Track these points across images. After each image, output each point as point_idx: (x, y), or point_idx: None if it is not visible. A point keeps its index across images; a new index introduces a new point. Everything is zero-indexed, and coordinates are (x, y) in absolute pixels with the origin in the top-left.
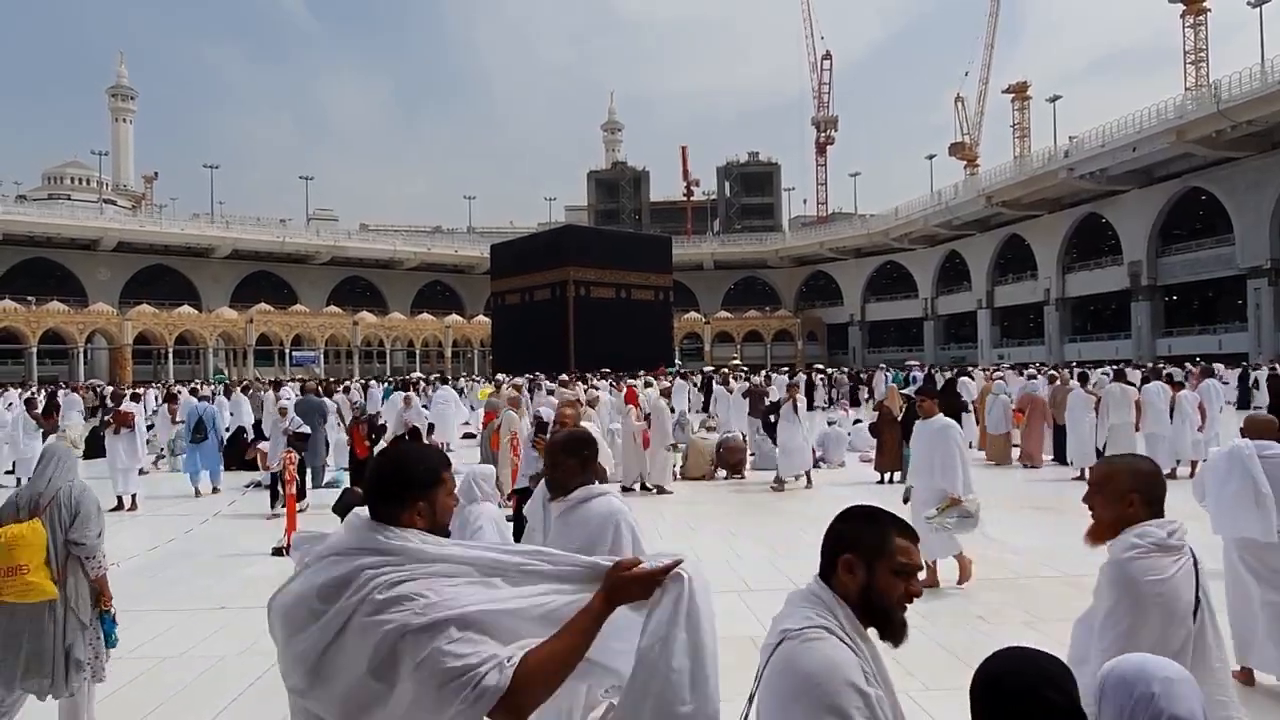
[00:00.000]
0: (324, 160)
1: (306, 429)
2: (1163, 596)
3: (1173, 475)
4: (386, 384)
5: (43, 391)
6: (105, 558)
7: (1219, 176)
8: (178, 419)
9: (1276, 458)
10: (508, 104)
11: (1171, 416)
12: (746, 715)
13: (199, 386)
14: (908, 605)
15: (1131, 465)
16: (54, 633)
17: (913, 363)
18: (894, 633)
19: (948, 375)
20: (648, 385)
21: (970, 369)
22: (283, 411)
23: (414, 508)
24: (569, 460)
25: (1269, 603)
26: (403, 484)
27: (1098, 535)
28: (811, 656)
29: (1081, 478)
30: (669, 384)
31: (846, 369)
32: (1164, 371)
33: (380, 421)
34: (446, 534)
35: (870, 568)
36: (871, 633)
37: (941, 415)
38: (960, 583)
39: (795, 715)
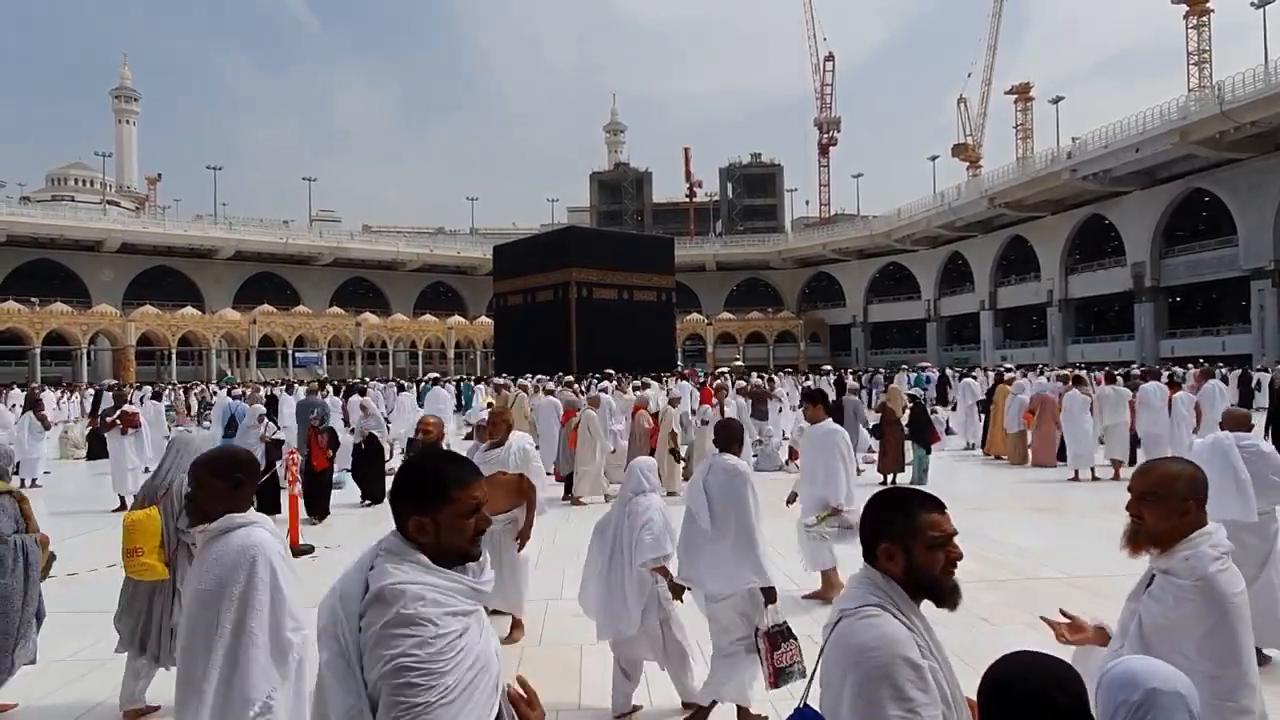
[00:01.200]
0: (327, 162)
1: (282, 435)
2: (1246, 606)
3: None
4: (424, 384)
5: (63, 391)
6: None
7: (1222, 178)
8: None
9: (1253, 448)
10: (511, 106)
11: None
12: (807, 691)
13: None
14: (954, 570)
15: (1185, 470)
16: (162, 610)
17: (925, 364)
18: (947, 599)
19: (1000, 374)
20: (647, 385)
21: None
22: (260, 419)
23: (415, 523)
24: (216, 481)
25: (1248, 577)
26: (406, 499)
27: (1146, 545)
28: (866, 631)
29: (1076, 478)
30: (760, 384)
31: (883, 369)
32: (1171, 371)
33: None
34: (466, 557)
35: (907, 550)
36: (926, 606)
37: (829, 420)
38: (817, 596)
39: (851, 687)
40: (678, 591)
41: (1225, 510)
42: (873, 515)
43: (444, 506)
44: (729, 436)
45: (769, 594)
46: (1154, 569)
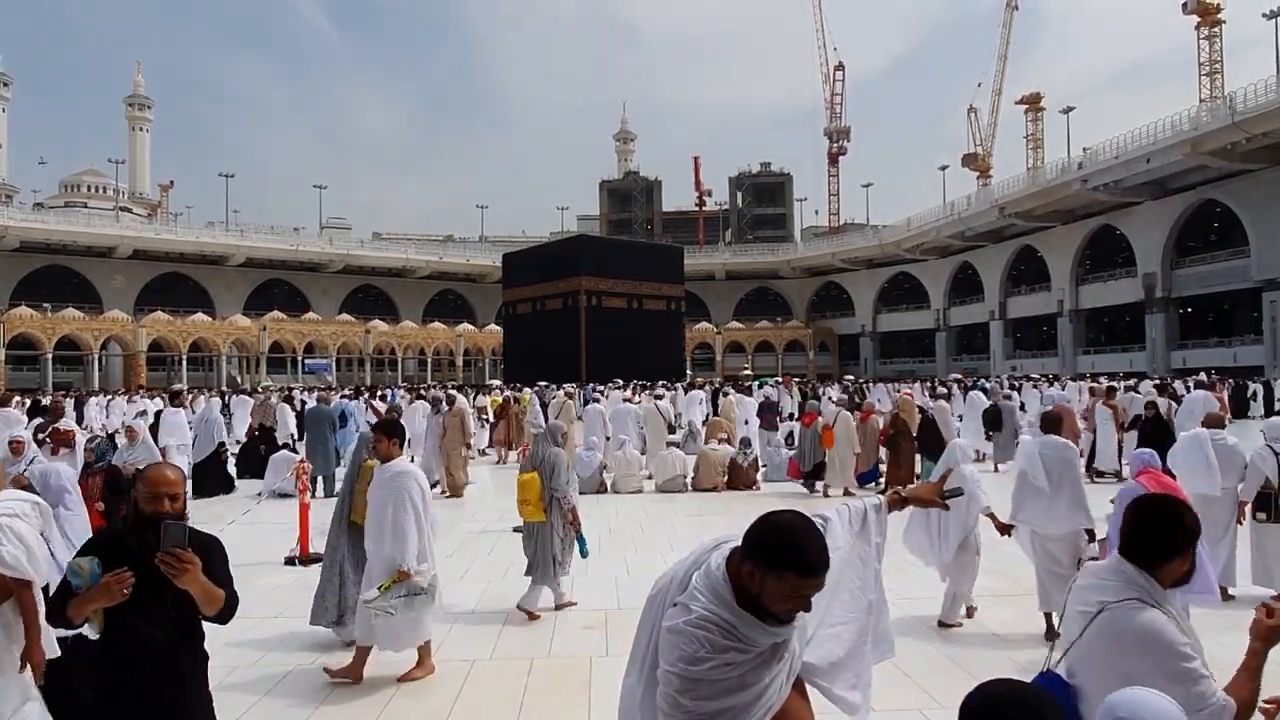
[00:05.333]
0: (338, 170)
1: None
2: None
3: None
4: (541, 390)
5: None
6: (573, 499)
7: (1234, 188)
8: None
9: (1222, 440)
10: (522, 114)
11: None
12: (1049, 659)
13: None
14: None
15: None
16: (545, 541)
17: (956, 375)
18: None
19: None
20: (657, 396)
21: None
22: (131, 434)
23: (748, 571)
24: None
25: (1216, 537)
26: (754, 546)
27: None
28: (1145, 619)
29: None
30: (941, 388)
31: (956, 377)
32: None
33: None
34: (775, 619)
35: (1190, 558)
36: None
37: (400, 459)
38: (403, 679)
39: (1145, 665)
40: (1005, 530)
41: (1196, 486)
42: (1176, 526)
43: (778, 579)
44: (1053, 422)
45: (1090, 534)
46: None
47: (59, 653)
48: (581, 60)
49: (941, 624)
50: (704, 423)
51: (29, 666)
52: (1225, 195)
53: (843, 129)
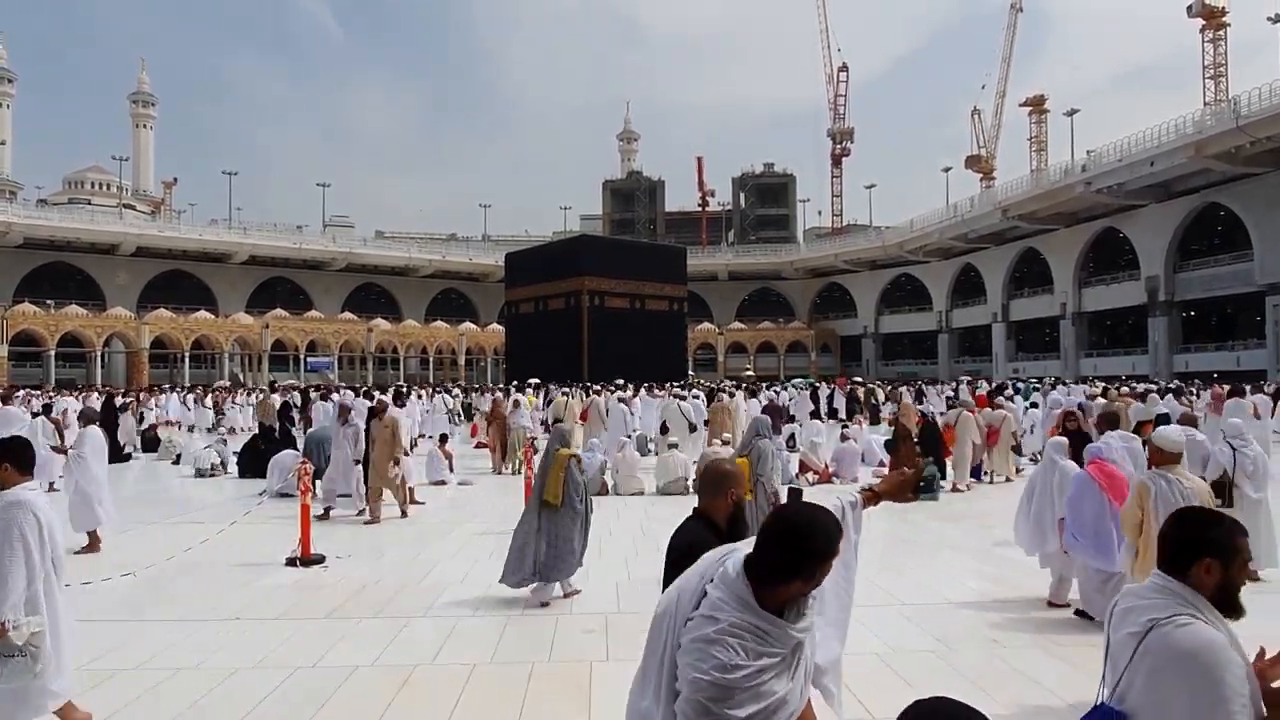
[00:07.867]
0: (341, 168)
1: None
2: None
3: None
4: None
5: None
6: (773, 482)
7: (1238, 192)
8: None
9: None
10: (524, 113)
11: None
12: (1101, 691)
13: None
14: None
15: None
16: (750, 517)
17: (965, 378)
18: (1237, 611)
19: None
20: (679, 396)
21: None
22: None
23: (785, 590)
24: None
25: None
26: (800, 556)
27: None
28: (1191, 637)
29: None
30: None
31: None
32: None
33: None
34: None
35: (1225, 567)
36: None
37: (20, 487)
38: None
39: (1183, 687)
40: None
41: None
42: (1196, 530)
43: (817, 572)
44: (1113, 419)
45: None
46: None
47: None
48: (583, 60)
49: (1051, 604)
50: (704, 423)
51: None
52: (1229, 199)
53: (846, 130)
